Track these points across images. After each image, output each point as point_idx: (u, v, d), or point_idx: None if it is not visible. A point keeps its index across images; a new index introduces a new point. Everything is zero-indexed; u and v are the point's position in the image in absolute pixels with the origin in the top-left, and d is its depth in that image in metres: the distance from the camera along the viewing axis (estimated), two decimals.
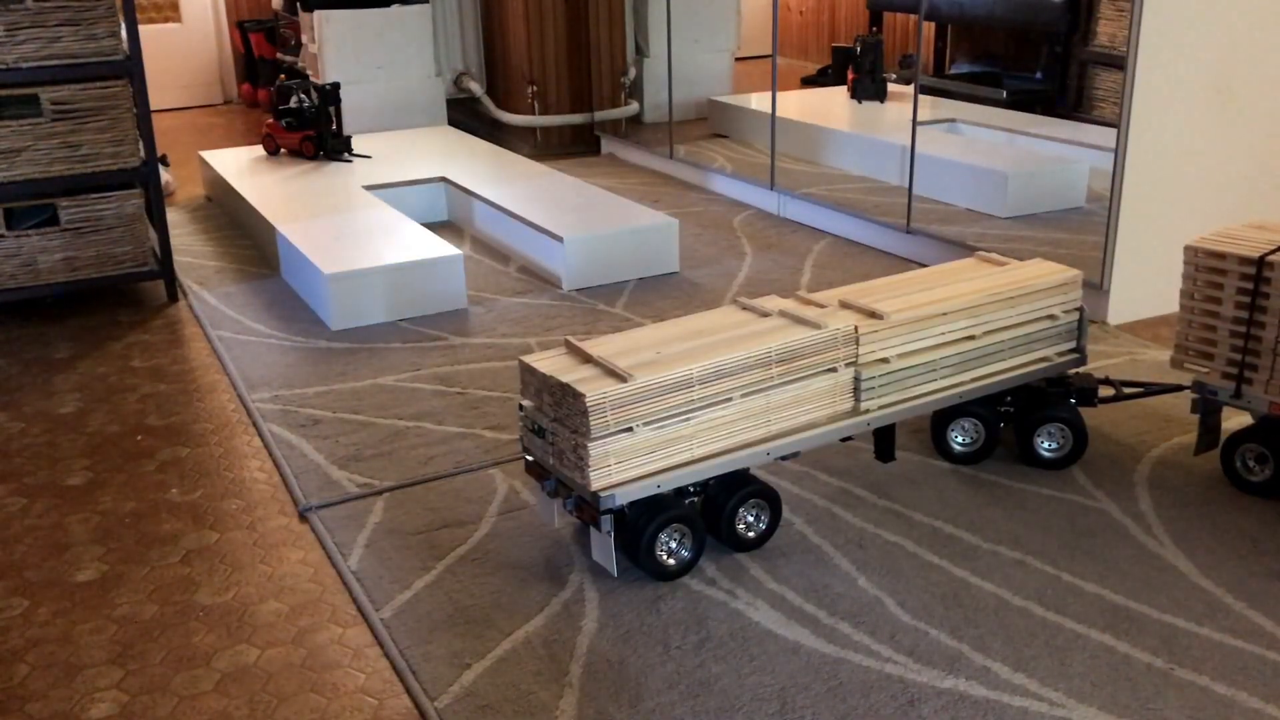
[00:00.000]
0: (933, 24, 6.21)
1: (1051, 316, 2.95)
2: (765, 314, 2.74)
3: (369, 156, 5.91)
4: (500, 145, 6.42)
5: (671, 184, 6.16)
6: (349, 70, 6.86)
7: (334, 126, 5.89)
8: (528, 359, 2.56)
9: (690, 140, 6.57)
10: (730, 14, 7.04)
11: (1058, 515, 2.75)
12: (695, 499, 2.63)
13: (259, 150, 6.11)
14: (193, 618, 2.48)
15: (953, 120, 5.79)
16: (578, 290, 4.45)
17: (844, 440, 2.84)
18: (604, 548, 2.50)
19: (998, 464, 2.99)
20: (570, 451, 2.44)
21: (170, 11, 8.85)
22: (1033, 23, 5.59)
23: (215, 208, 5.91)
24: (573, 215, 4.73)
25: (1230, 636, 2.30)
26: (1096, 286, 3.91)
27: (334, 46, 6.83)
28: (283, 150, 6.03)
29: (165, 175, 5.91)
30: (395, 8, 6.94)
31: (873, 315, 2.73)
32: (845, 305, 2.80)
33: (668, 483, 2.48)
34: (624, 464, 2.44)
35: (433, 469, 3.07)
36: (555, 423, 2.48)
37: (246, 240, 5.28)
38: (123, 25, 4.17)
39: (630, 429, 2.42)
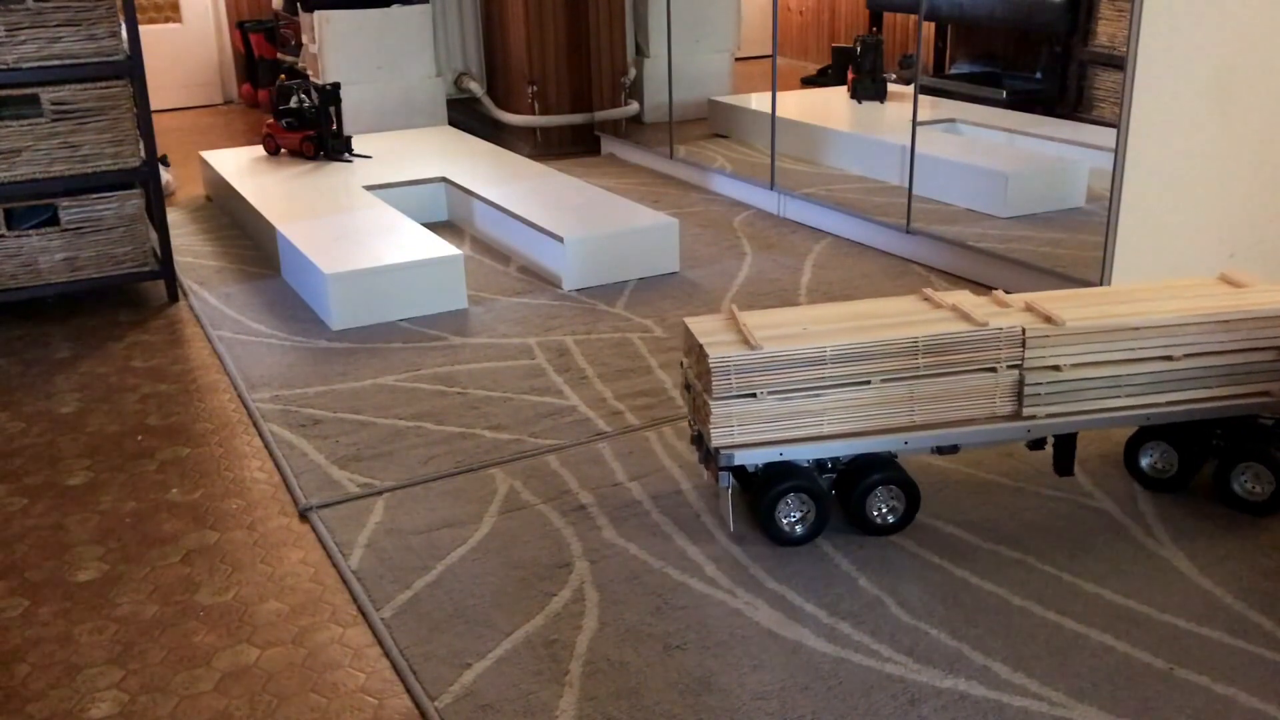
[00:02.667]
0: (933, 24, 6.21)
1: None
2: (940, 306, 2.70)
3: (369, 157, 5.91)
4: (500, 145, 6.42)
5: (671, 184, 6.16)
6: (349, 70, 6.86)
7: (334, 127, 5.89)
8: (689, 320, 2.70)
9: (690, 140, 6.57)
10: (730, 14, 7.04)
11: (1058, 515, 2.75)
12: (832, 475, 2.66)
13: (259, 150, 6.12)
14: (193, 617, 2.48)
15: (953, 120, 5.79)
16: (578, 290, 4.45)
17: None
18: (723, 503, 2.64)
19: (997, 463, 2.99)
20: (703, 407, 2.58)
21: (170, 12, 8.85)
22: (1033, 23, 5.59)
23: (215, 208, 5.92)
24: (573, 215, 4.73)
25: (1230, 636, 2.30)
26: (1096, 286, 3.91)
27: (334, 47, 6.83)
28: (283, 150, 6.03)
29: (166, 175, 5.91)
30: (395, 8, 6.94)
31: (1049, 320, 2.61)
32: (1029, 308, 2.69)
33: (791, 453, 2.54)
34: (746, 427, 2.53)
35: (433, 469, 3.07)
36: (696, 379, 2.61)
37: (247, 240, 5.28)
38: (123, 25, 4.17)
39: (754, 395, 2.50)
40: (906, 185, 4.81)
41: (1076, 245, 4.45)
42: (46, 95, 4.09)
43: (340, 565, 2.64)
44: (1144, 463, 2.84)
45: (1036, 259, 4.29)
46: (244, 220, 5.37)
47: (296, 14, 7.37)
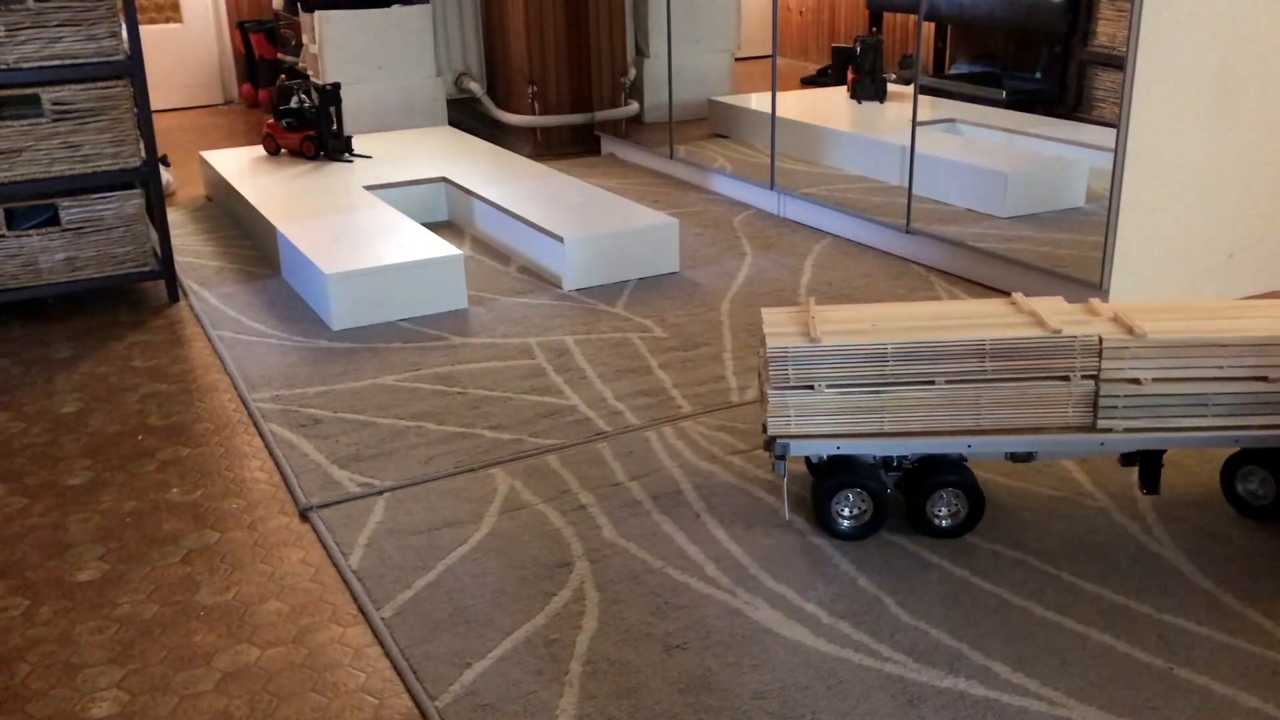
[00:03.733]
0: (933, 24, 6.20)
1: None
2: (1023, 310, 2.65)
3: (369, 157, 5.92)
4: (500, 145, 6.43)
5: (671, 184, 6.16)
6: (349, 70, 6.86)
7: (334, 127, 5.89)
8: (765, 309, 2.75)
9: (690, 140, 6.57)
10: (730, 14, 7.04)
11: (1058, 515, 2.75)
12: (898, 473, 2.65)
13: (259, 150, 6.12)
14: (193, 617, 2.48)
15: (952, 120, 5.79)
16: (578, 290, 4.46)
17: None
18: (780, 491, 2.72)
19: (996, 464, 2.99)
20: (764, 396, 2.62)
21: (171, 12, 8.85)
22: (1032, 23, 5.59)
23: (216, 208, 5.92)
24: (573, 215, 4.74)
25: (1230, 636, 2.30)
26: (1096, 286, 3.92)
27: (334, 47, 6.83)
28: (283, 150, 6.03)
29: (166, 175, 5.91)
30: (395, 8, 6.94)
31: (1130, 331, 2.51)
32: (1117, 318, 2.58)
33: (849, 447, 2.55)
34: (803, 418, 2.54)
35: (433, 469, 3.07)
36: (762, 367, 2.65)
37: (247, 240, 5.29)
38: (123, 25, 4.17)
39: (811, 387, 2.51)
40: (906, 185, 4.81)
41: (1076, 245, 4.45)
42: (47, 95, 4.10)
43: (340, 565, 2.64)
44: (1240, 488, 2.71)
45: (1036, 259, 4.29)
46: (244, 220, 5.37)
47: (297, 14, 7.37)
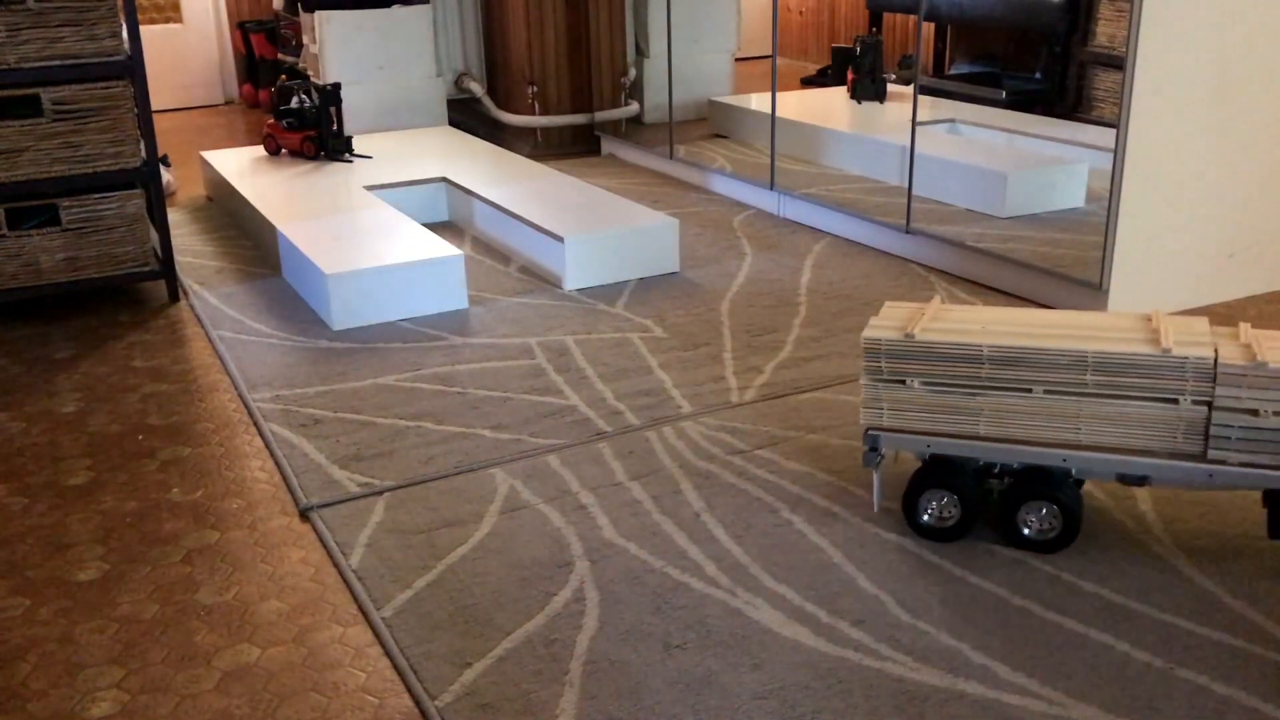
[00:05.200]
0: (932, 24, 6.21)
1: None
2: (1153, 328, 2.50)
3: (370, 157, 5.92)
4: (500, 145, 6.43)
5: (671, 184, 6.16)
6: (350, 71, 6.86)
7: (335, 127, 5.89)
8: (889, 302, 2.77)
9: (690, 140, 6.57)
10: (730, 14, 7.04)
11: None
12: (999, 480, 2.63)
13: (260, 150, 6.12)
14: (194, 617, 2.48)
15: (952, 120, 5.79)
16: (578, 290, 4.46)
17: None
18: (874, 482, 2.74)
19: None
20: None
21: (171, 12, 8.85)
22: (1032, 23, 5.59)
23: (216, 208, 5.92)
24: (573, 215, 4.74)
25: (1230, 636, 2.30)
26: (1095, 286, 3.92)
27: (335, 47, 6.83)
28: (284, 150, 6.03)
29: (166, 175, 5.91)
30: (396, 8, 6.94)
31: (1253, 358, 2.32)
32: (1248, 345, 2.41)
33: (939, 447, 2.55)
34: (895, 412, 2.56)
35: (433, 468, 3.07)
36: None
37: (247, 240, 5.29)
38: (124, 26, 4.17)
39: (903, 381, 2.51)
40: (906, 185, 4.81)
41: (1076, 245, 4.45)
42: (47, 95, 4.10)
43: (341, 565, 2.65)
44: None
45: (1036, 259, 4.29)
46: (244, 220, 5.37)
47: (297, 14, 7.38)
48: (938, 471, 2.60)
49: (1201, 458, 2.39)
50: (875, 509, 2.75)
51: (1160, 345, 2.38)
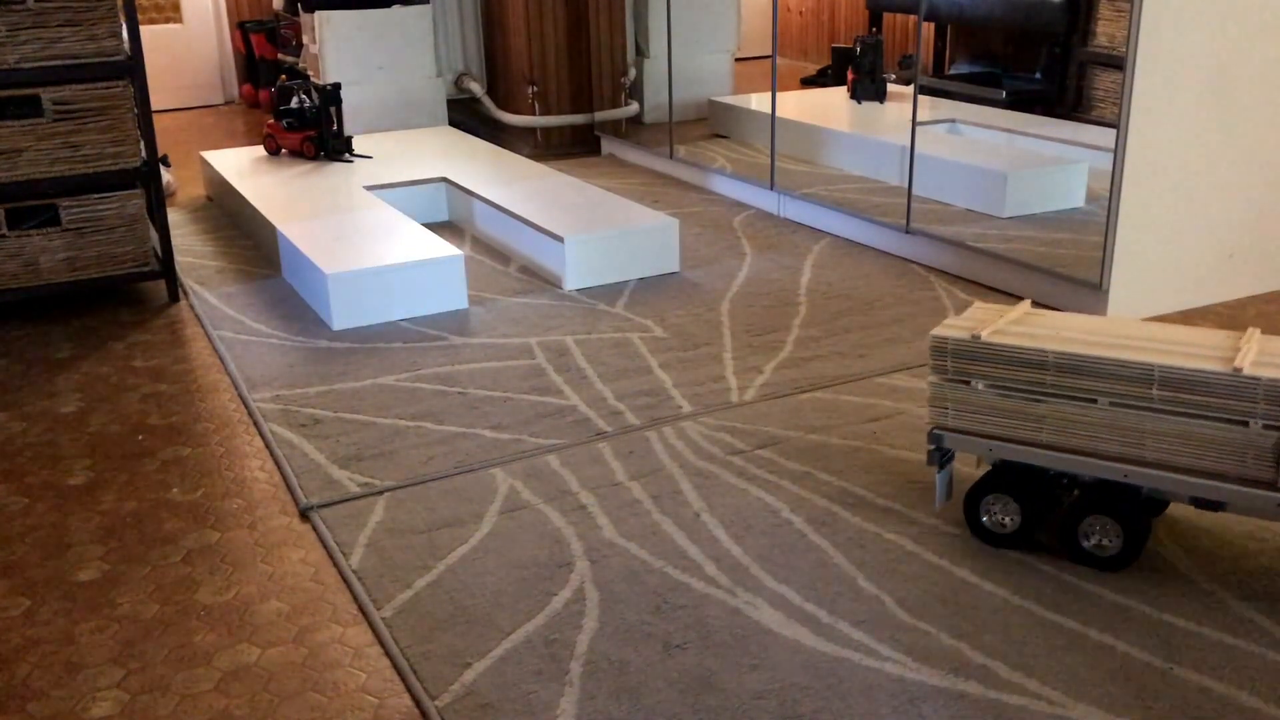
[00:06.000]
0: (932, 24, 6.21)
1: None
2: (1242, 344, 2.39)
3: (370, 157, 5.92)
4: (500, 145, 6.43)
5: (671, 184, 6.16)
6: (350, 71, 6.86)
7: (335, 127, 5.89)
8: (978, 302, 2.78)
9: (690, 140, 6.57)
10: (730, 14, 7.04)
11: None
12: (1071, 492, 2.61)
13: (260, 151, 6.12)
14: (194, 617, 2.49)
15: (952, 120, 5.79)
16: (578, 290, 4.46)
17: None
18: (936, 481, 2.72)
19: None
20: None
21: (171, 12, 8.86)
22: (1032, 23, 5.59)
23: (216, 208, 5.92)
24: (573, 215, 4.74)
25: (1230, 636, 2.30)
26: (1096, 286, 3.92)
27: (335, 47, 6.83)
28: (284, 150, 6.03)
29: (166, 175, 5.91)
30: (396, 8, 6.94)
31: None
32: None
33: (1000, 450, 2.54)
34: (960, 412, 2.56)
35: (433, 468, 3.07)
36: None
37: (247, 240, 5.29)
38: (124, 26, 4.17)
39: (968, 381, 2.51)
40: (906, 185, 4.81)
41: (1076, 245, 4.45)
42: (47, 95, 4.10)
43: (341, 565, 2.65)
44: None
45: (1036, 259, 4.29)
46: (244, 220, 5.37)
47: (297, 14, 7.38)
48: (1005, 477, 2.59)
49: (1273, 486, 2.28)
50: (936, 508, 2.74)
51: (1232, 364, 2.27)
